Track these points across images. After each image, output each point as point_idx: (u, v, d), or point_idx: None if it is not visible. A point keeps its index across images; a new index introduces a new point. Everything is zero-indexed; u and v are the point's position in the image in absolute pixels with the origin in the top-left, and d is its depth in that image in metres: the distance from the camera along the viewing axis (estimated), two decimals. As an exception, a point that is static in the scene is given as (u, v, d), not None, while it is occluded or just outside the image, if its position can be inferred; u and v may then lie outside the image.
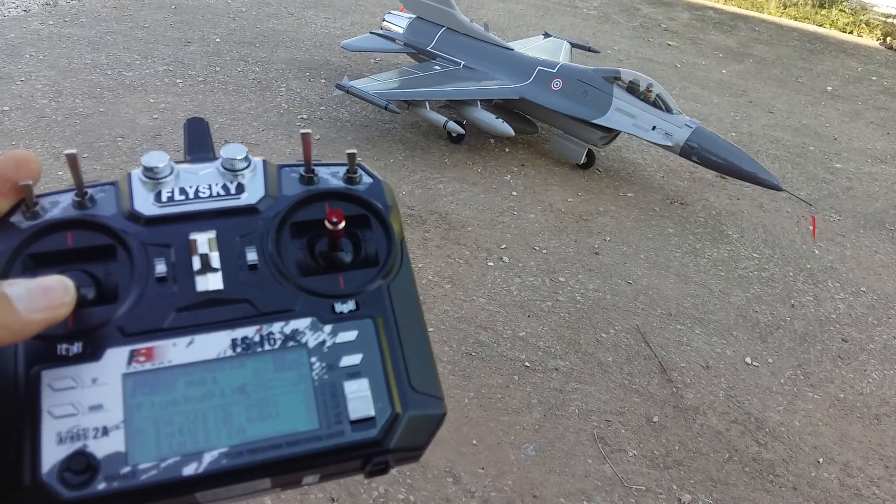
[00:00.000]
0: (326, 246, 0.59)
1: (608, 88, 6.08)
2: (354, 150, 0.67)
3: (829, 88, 10.34)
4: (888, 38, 13.55)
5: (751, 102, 9.28)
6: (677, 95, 9.05)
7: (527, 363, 4.30)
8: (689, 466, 3.74)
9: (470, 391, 4.03)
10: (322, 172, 0.64)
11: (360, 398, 0.53)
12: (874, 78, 11.22)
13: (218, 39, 8.77)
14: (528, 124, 6.85)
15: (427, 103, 6.37)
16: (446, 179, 6.25)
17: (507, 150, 6.94)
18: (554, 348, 4.47)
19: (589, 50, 8.21)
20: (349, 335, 0.55)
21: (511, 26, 10.97)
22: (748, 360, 4.58)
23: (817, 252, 5.93)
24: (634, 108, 5.95)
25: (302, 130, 0.61)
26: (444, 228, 5.54)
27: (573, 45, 8.14)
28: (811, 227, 5.97)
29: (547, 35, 8.36)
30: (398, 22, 7.58)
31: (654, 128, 5.87)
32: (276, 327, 0.54)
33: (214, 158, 0.62)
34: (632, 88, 6.01)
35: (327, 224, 0.58)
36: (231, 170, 0.60)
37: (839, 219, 6.55)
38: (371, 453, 0.53)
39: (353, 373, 0.54)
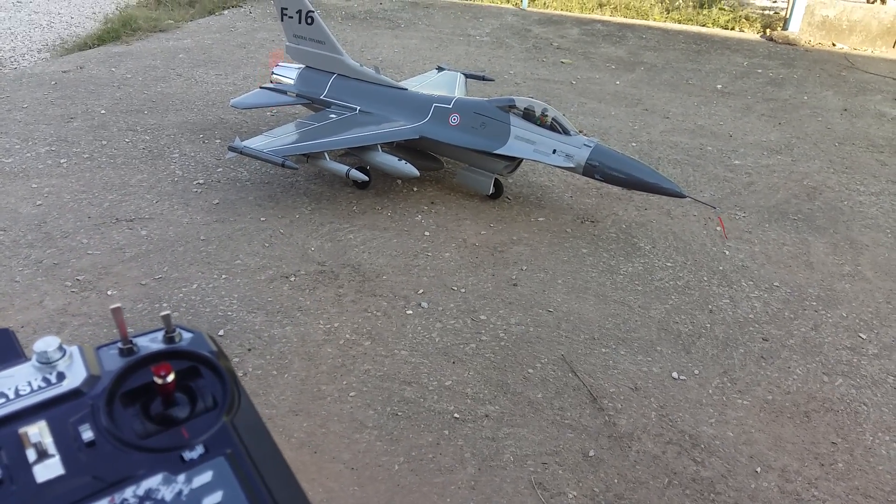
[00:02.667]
0: (161, 405, 0.63)
1: (505, 118, 6.10)
2: (168, 312, 0.75)
3: (718, 86, 10.73)
4: (768, 30, 14.23)
5: (647, 110, 9.51)
6: (576, 112, 9.19)
7: (456, 414, 4.15)
8: (630, 499, 3.65)
9: (399, 455, 3.84)
10: (141, 341, 0.69)
11: None
12: (760, 71, 11.72)
13: (103, 111, 8.39)
14: (434, 161, 6.84)
15: (326, 154, 6.23)
16: (356, 228, 6.08)
17: (415, 189, 6.84)
18: (482, 393, 4.33)
19: (483, 79, 8.26)
20: (204, 477, 0.58)
21: (407, 61, 10.97)
22: (675, 374, 4.56)
23: (728, 252, 6.03)
24: (533, 134, 5.98)
25: (112, 306, 0.66)
26: (358, 281, 5.36)
27: (467, 76, 8.18)
28: (721, 229, 6.12)
29: (440, 69, 8.37)
30: (287, 73, 7.42)
31: (554, 151, 5.90)
32: (129, 492, 0.56)
33: (27, 359, 0.65)
34: (528, 115, 6.04)
35: (156, 380, 0.62)
36: (47, 363, 0.64)
37: (744, 215, 6.71)
38: None
39: None
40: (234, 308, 4.96)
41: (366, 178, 6.28)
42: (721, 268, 5.81)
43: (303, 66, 7.37)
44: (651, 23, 14.81)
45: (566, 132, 5.93)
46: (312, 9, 7.02)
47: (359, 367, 4.48)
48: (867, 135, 9.11)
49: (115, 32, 11.76)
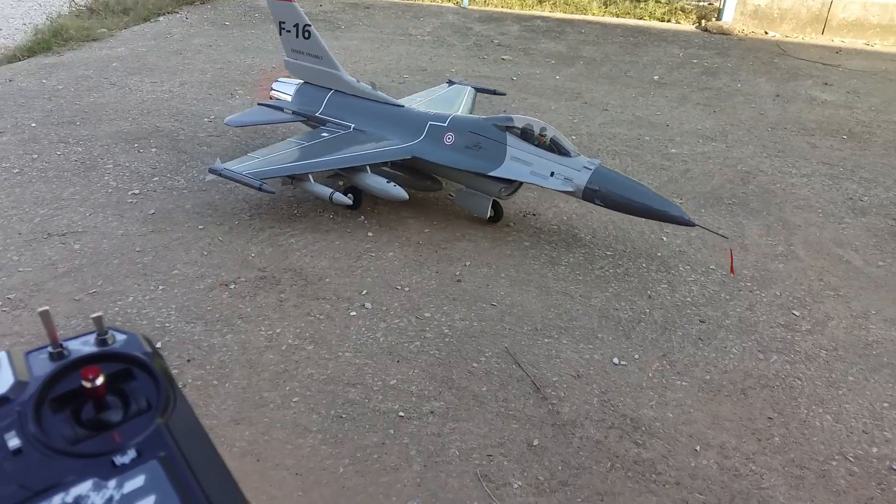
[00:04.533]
0: (93, 409, 0.62)
1: (501, 137, 5.75)
2: (100, 313, 0.72)
3: (655, 78, 10.95)
4: (703, 21, 14.58)
5: (586, 103, 9.65)
6: (516, 107, 9.27)
7: (401, 413, 4.14)
8: (574, 485, 3.70)
9: (344, 458, 3.82)
10: (72, 345, 0.67)
11: None
12: (695, 61, 11.99)
13: (34, 124, 8.13)
14: (432, 181, 6.45)
15: (311, 176, 5.92)
16: (297, 232, 6.02)
17: (357, 190, 6.80)
18: (427, 390, 4.34)
19: (494, 93, 7.89)
20: (136, 482, 0.57)
21: (348, 62, 10.90)
22: (616, 360, 4.64)
23: (665, 239, 6.16)
24: (530, 155, 5.63)
25: (39, 309, 0.65)
26: (300, 285, 5.31)
27: (478, 91, 7.80)
28: (730, 262, 5.68)
29: (451, 83, 7.99)
30: (286, 90, 7.12)
31: (552, 174, 5.53)
32: (57, 499, 0.55)
33: None
34: (525, 134, 5.68)
35: (85, 384, 0.61)
36: None
37: (681, 202, 6.85)
38: None
39: None
40: (171, 319, 4.86)
41: (349, 202, 5.98)
42: (659, 254, 5.93)
43: (301, 82, 7.12)
44: (590, 17, 15.03)
45: (566, 153, 5.56)
46: (309, 22, 6.74)
47: (302, 371, 4.44)
48: (798, 119, 9.40)
49: (45, 43, 11.40)
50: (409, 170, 6.34)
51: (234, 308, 5.00)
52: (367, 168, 5.98)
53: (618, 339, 4.86)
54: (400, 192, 5.87)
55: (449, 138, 6.00)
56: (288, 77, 7.27)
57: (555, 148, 5.59)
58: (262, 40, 12.06)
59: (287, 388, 4.29)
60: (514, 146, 5.69)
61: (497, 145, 5.76)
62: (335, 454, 3.84)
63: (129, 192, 6.59)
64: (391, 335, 4.83)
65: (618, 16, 15.19)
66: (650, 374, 4.53)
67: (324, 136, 6.39)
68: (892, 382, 4.61)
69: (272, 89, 7.26)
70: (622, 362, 4.63)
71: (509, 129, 5.76)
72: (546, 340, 4.83)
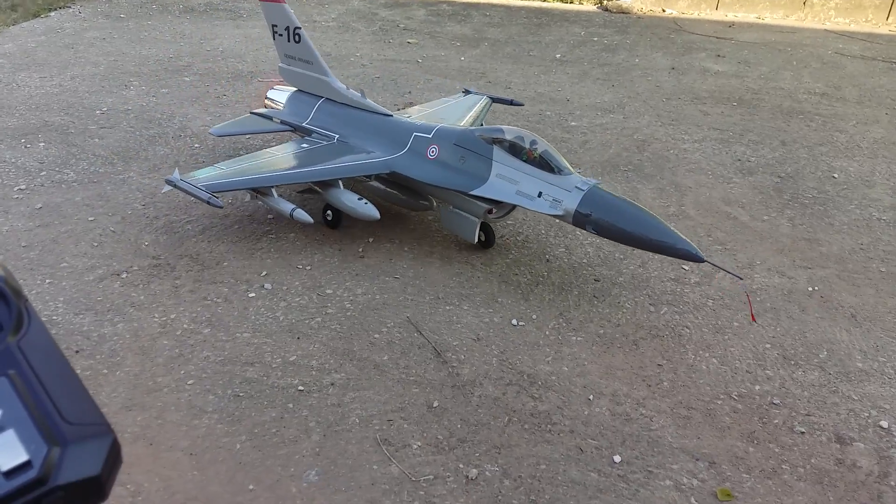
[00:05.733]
0: None
1: (487, 151, 5.10)
2: None
3: (557, 56, 11.18)
4: (603, 1, 14.96)
5: (490, 82, 9.77)
6: (422, 88, 9.31)
7: (300, 387, 4.12)
8: (472, 441, 3.77)
9: (241, 435, 3.77)
10: None
11: (7, 449, 0.56)
12: (595, 39, 12.32)
13: None
14: (425, 199, 5.70)
15: (273, 190, 5.38)
16: (194, 218, 5.87)
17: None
18: (328, 363, 4.32)
19: (511, 103, 7.23)
20: None
21: (249, 51, 10.68)
22: (514, 321, 4.74)
23: (564, 205, 6.32)
24: (517, 172, 4.93)
25: None
26: (196, 271, 5.19)
27: (493, 101, 7.22)
28: (748, 306, 4.77)
29: (467, 92, 7.42)
30: (279, 98, 6.75)
31: (539, 194, 4.82)
32: None
33: None
34: (514, 148, 5.03)
35: None
36: None
37: (580, 171, 7.03)
38: (39, 495, 0.55)
39: None
40: (59, 312, 4.66)
41: (309, 220, 5.30)
42: (557, 221, 6.06)
43: (294, 89, 6.72)
44: (495, 0, 15.19)
45: (557, 170, 4.85)
46: (299, 24, 6.34)
47: (198, 354, 4.35)
48: (692, 89, 9.79)
49: (-79, 42, 10.69)
50: (399, 186, 5.70)
51: (126, 297, 4.84)
52: (339, 183, 5.49)
53: (517, 302, 4.97)
54: (370, 211, 5.26)
55: (432, 151, 5.41)
56: (285, 85, 6.92)
57: (545, 164, 4.89)
58: (160, 31, 11.67)
59: (182, 372, 4.19)
60: (501, 161, 5.03)
61: (482, 160, 5.11)
62: (232, 432, 3.78)
63: (15, 189, 6.27)
64: (291, 313, 4.78)
65: (522, -2, 15.43)
66: (547, 333, 4.65)
67: (303, 147, 5.98)
68: (774, 325, 4.88)
69: (267, 98, 6.91)
70: (521, 323, 4.73)
71: (497, 141, 5.11)
72: (447, 308, 4.88)
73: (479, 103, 7.01)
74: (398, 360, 4.38)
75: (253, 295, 4.96)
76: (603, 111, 8.81)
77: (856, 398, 4.20)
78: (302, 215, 5.27)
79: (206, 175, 5.33)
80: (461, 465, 3.62)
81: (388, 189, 5.76)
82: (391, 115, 6.07)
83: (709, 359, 4.53)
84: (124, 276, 5.06)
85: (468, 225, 5.33)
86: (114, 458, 0.62)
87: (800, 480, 3.59)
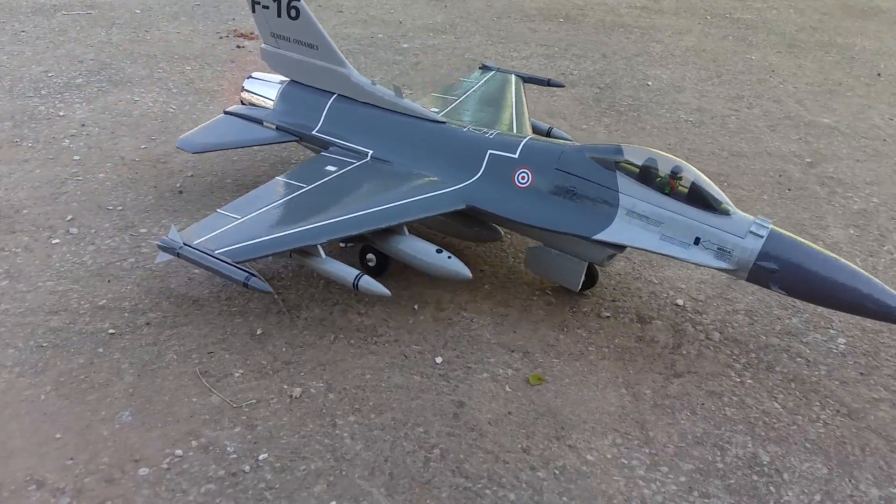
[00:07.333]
0: None
1: (608, 179, 3.88)
2: None
3: (390, -22, 10.93)
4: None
5: (321, 6, 9.43)
6: (245, 16, 8.79)
7: (111, 330, 3.90)
8: (297, 362, 3.75)
9: (46, 385, 3.53)
10: None
11: None
12: (429, -39, 12.12)
13: None
14: (489, 229, 4.42)
15: (321, 248, 3.82)
16: (-14, 167, 5.32)
17: (61, 114, 6.12)
18: (142, 304, 4.11)
19: (549, 84, 5.94)
20: None
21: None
22: (343, 244, 4.70)
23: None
24: (657, 208, 3.75)
25: None
26: (-10, 222, 4.73)
27: (525, 80, 5.76)
28: None
29: (485, 68, 5.91)
30: (265, 91, 5.06)
31: (697, 241, 3.67)
32: None
33: None
34: (646, 175, 3.82)
35: None
36: None
37: (411, 92, 7.00)
38: None
39: None
40: None
41: (387, 293, 3.73)
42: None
43: (286, 79, 5.11)
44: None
45: (716, 208, 3.68)
46: None
47: (-7, 309, 4.00)
48: (522, 8, 9.93)
49: None
50: (456, 214, 4.25)
51: None
52: (405, 228, 4.05)
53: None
54: (457, 268, 3.83)
55: (523, 177, 4.14)
56: (268, 73, 5.29)
57: (697, 199, 3.72)
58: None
59: (-25, 329, 3.84)
60: (631, 194, 3.82)
61: (602, 191, 3.89)
62: (36, 384, 3.54)
63: None
64: (101, 256, 4.49)
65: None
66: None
67: (330, 172, 4.41)
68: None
69: (244, 89, 5.21)
70: (350, 245, 4.70)
71: (619, 165, 3.90)
72: (271, 236, 4.76)
73: (510, 86, 5.56)
74: (220, 293, 4.24)
75: (57, 241, 4.60)
76: (435, 32, 8.76)
77: (656, 282, 4.56)
78: (372, 286, 3.70)
79: (214, 234, 3.85)
80: (285, 386, 3.60)
81: (447, 219, 4.29)
82: (444, 123, 4.62)
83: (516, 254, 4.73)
84: None
85: (571, 269, 4.15)
86: None
87: (604, 359, 3.88)
